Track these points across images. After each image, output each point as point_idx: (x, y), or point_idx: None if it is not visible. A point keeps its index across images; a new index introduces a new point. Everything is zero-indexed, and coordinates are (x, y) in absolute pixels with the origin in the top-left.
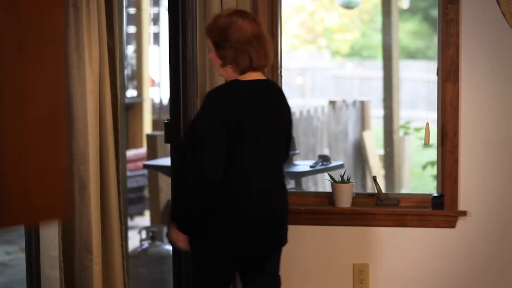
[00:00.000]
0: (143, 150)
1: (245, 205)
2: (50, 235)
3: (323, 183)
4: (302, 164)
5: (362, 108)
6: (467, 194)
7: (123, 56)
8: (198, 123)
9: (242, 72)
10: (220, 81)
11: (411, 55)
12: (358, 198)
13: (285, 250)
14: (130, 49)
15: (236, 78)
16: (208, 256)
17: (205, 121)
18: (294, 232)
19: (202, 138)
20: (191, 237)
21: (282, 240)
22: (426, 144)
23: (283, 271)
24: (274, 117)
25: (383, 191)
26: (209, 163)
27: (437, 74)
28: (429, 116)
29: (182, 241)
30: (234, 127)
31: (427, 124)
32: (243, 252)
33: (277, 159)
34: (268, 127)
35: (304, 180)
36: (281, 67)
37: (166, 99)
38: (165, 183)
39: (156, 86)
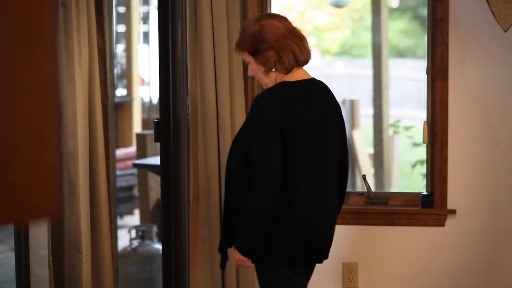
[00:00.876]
0: (132, 149)
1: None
2: (40, 234)
3: None
4: None
5: (351, 106)
6: (456, 193)
7: (112, 55)
8: (252, 130)
9: (288, 70)
10: (212, 79)
11: (401, 53)
12: (348, 196)
13: None
14: (119, 48)
15: (282, 80)
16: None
17: (260, 127)
18: None
19: (261, 145)
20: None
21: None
22: (425, 142)
23: None
24: (326, 119)
25: (373, 189)
26: (272, 170)
27: (427, 72)
28: (419, 115)
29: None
30: (288, 133)
31: (425, 122)
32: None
33: (333, 165)
34: (321, 130)
35: None
36: None
37: (155, 98)
38: (154, 182)
39: (145, 85)
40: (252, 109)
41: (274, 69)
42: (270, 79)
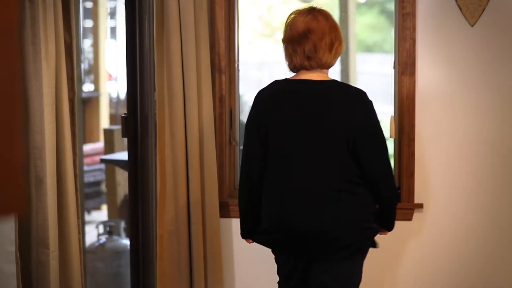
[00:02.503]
0: (100, 145)
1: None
2: (6, 230)
3: None
4: None
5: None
6: (424, 187)
7: (80, 50)
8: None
9: (292, 71)
10: (179, 74)
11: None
12: None
13: (242, 243)
14: (87, 43)
15: (286, 78)
16: None
17: (246, 124)
18: None
19: (244, 144)
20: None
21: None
22: (392, 137)
23: (238, 265)
24: (313, 119)
25: None
26: (244, 167)
27: (394, 67)
28: (387, 109)
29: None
30: (263, 130)
31: (392, 117)
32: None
33: (317, 168)
34: (298, 129)
35: None
36: (238, 60)
37: (123, 93)
38: (122, 177)
39: (113, 80)
40: None
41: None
42: None
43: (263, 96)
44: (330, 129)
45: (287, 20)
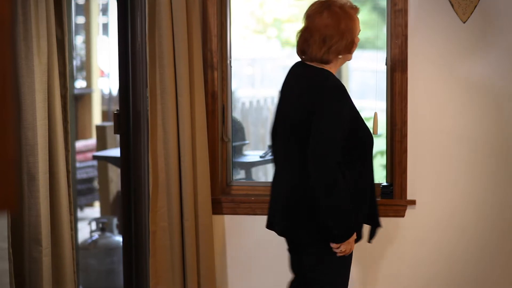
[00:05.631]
0: (92, 141)
1: None
2: None
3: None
4: (252, 154)
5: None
6: (416, 184)
7: (72, 46)
8: None
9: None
10: (171, 70)
11: (360, 45)
12: None
13: (234, 239)
14: (79, 40)
15: None
16: None
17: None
18: (245, 221)
19: None
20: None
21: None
22: (375, 133)
23: (231, 261)
24: (283, 106)
25: None
26: None
27: (386, 63)
28: (378, 106)
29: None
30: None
31: (375, 113)
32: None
33: (284, 152)
34: (279, 116)
35: (254, 170)
36: (230, 57)
37: (115, 90)
38: (115, 174)
39: (105, 77)
40: None
41: None
42: None
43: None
44: (284, 115)
45: None
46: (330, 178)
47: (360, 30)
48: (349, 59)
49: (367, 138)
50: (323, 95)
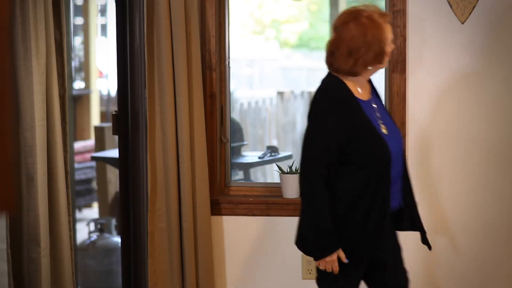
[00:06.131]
0: (91, 142)
1: None
2: None
3: (271, 174)
4: (250, 155)
5: (310, 99)
6: (414, 185)
7: (70, 47)
8: None
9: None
10: (170, 71)
11: None
12: None
13: (233, 240)
14: (77, 41)
15: None
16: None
17: None
18: (243, 222)
19: None
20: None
21: None
22: None
23: (230, 262)
24: None
25: None
26: None
27: None
28: None
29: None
30: None
31: None
32: None
33: None
34: None
35: (252, 171)
36: (229, 58)
37: (114, 91)
38: (113, 175)
39: (103, 78)
40: None
41: None
42: None
43: None
44: None
45: None
46: (309, 192)
47: (392, 38)
48: (382, 67)
49: (371, 150)
50: (312, 108)
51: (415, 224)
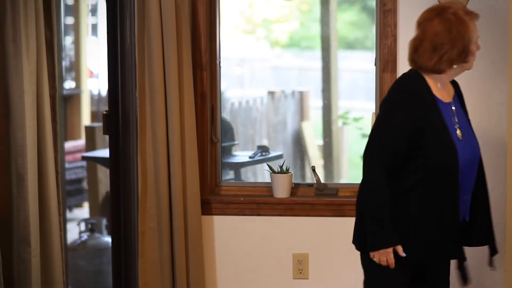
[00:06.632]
0: (81, 142)
1: None
2: None
3: (262, 174)
4: (241, 155)
5: (301, 98)
6: None
7: (61, 47)
8: None
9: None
10: (160, 71)
11: (350, 45)
12: (297, 188)
13: (224, 240)
14: (68, 40)
15: None
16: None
17: None
18: (234, 222)
19: None
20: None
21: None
22: None
23: (220, 261)
24: None
25: (322, 181)
26: None
27: (375, 64)
28: (368, 106)
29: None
30: None
31: (373, 113)
32: None
33: None
34: None
35: (243, 170)
36: (220, 57)
37: (104, 91)
38: (104, 175)
39: (94, 77)
40: None
41: None
42: None
43: None
44: None
45: None
46: (370, 176)
47: (478, 37)
48: (468, 68)
49: (437, 150)
50: (386, 97)
51: (485, 239)
